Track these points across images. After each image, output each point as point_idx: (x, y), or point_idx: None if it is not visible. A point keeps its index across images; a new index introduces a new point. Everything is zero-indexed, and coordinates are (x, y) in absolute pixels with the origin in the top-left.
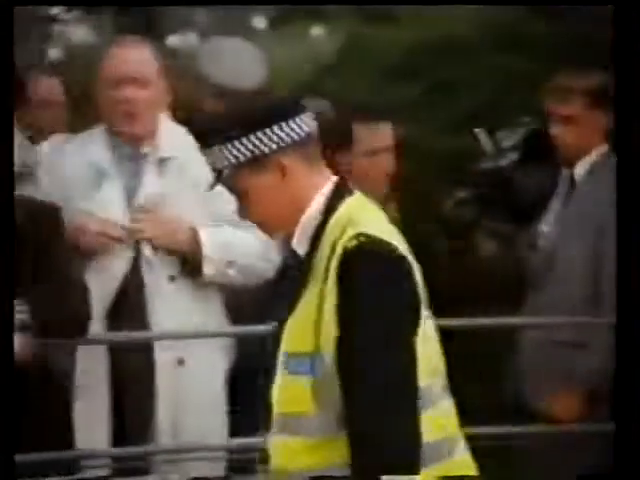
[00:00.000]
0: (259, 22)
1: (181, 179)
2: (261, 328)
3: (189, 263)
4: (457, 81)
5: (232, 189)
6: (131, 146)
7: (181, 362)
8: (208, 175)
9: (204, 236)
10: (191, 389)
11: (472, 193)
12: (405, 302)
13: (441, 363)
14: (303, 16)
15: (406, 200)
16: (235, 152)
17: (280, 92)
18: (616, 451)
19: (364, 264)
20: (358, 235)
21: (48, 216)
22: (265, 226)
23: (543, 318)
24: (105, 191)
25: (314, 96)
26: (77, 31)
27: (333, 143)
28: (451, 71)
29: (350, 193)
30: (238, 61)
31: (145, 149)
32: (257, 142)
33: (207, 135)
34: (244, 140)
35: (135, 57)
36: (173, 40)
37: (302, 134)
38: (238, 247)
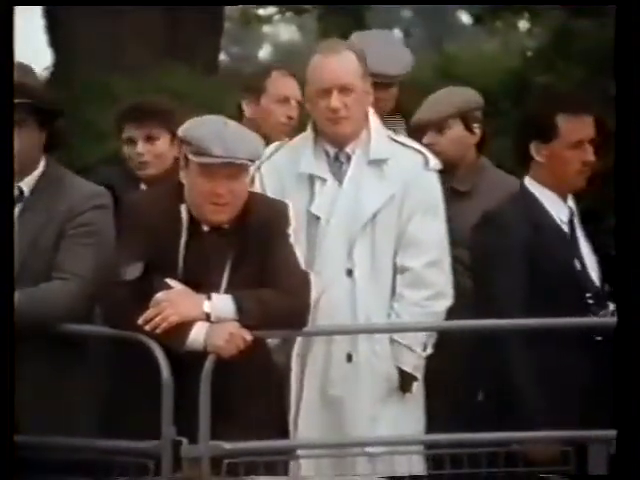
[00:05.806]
0: (466, 18)
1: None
2: None
3: None
4: None
5: None
6: (336, 146)
7: (350, 358)
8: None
9: None
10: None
11: None
12: None
13: None
14: (509, 12)
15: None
16: None
17: (489, 84)
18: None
19: None
20: None
21: (277, 211)
22: None
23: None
24: (320, 195)
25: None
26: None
27: (536, 134)
28: None
29: None
30: (386, 50)
31: (349, 149)
32: None
33: None
34: None
35: (341, 65)
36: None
37: None
38: None
